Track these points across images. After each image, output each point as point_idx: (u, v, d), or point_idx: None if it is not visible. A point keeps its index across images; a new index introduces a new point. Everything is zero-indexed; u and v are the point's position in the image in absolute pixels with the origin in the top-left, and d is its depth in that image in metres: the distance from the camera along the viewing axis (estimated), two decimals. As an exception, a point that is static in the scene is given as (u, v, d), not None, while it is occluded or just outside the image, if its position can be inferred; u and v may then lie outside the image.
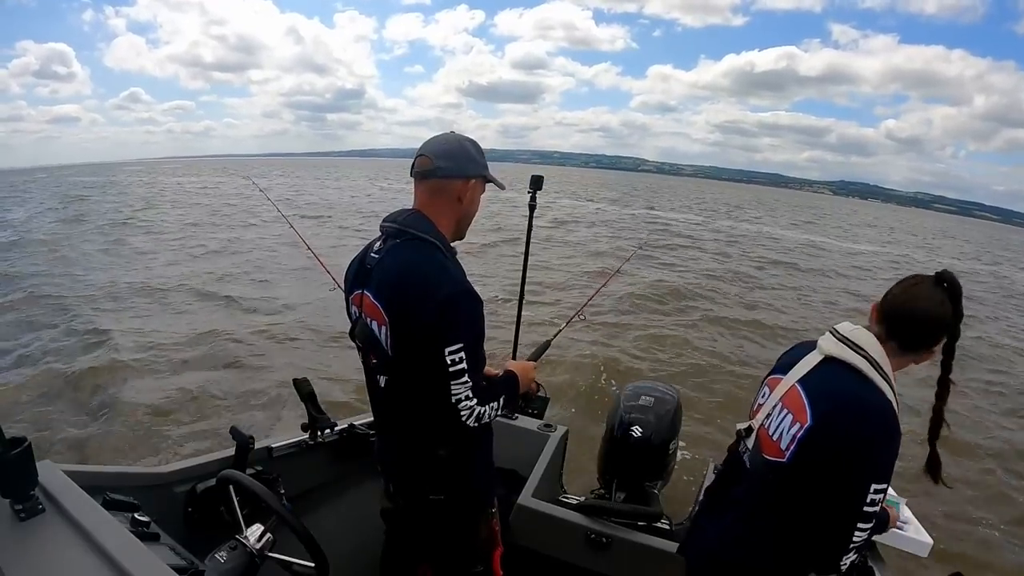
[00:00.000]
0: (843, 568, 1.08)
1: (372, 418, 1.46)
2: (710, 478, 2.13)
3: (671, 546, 1.79)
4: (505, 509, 1.87)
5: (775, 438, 1.16)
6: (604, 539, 1.84)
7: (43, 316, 6.76)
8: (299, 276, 8.87)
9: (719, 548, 1.23)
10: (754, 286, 11.12)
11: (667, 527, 2.09)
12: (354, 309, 1.32)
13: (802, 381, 1.16)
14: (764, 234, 22.63)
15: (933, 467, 1.19)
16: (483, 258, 11.45)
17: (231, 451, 1.53)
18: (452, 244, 1.31)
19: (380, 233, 1.30)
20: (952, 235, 51.80)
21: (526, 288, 2.47)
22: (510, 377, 1.39)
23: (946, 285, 1.11)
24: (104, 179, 41.26)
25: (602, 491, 2.33)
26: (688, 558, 1.36)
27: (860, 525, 1.05)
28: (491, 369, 1.39)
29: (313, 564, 1.18)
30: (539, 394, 1.91)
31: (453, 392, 1.18)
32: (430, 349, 1.16)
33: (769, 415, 1.20)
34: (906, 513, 1.63)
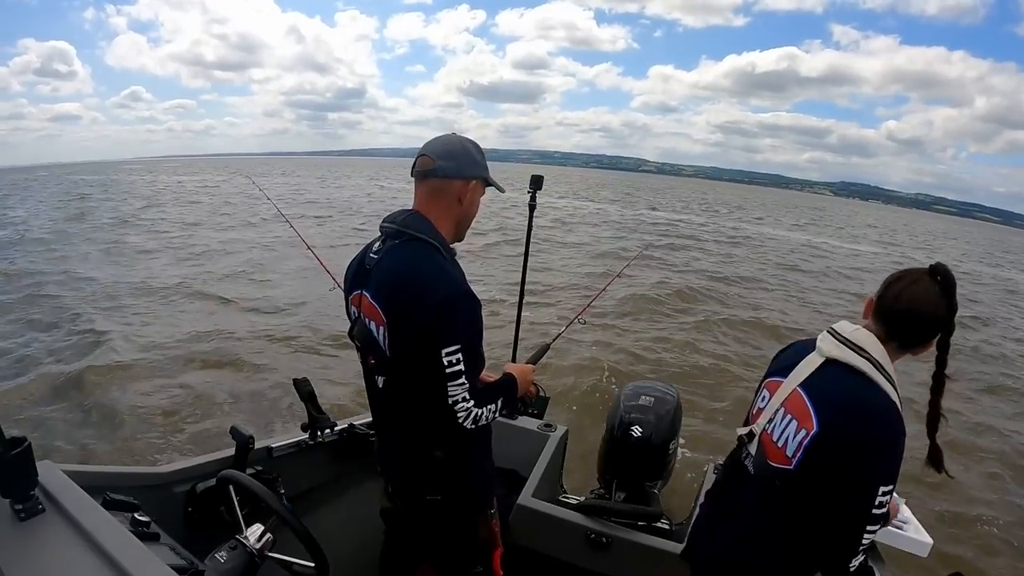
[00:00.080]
0: (852, 569, 1.08)
1: (372, 418, 1.47)
2: (710, 478, 2.13)
3: (671, 546, 1.80)
4: (505, 509, 1.87)
5: (780, 445, 1.13)
6: (604, 539, 1.84)
7: (43, 316, 6.75)
8: (300, 276, 8.86)
9: (726, 554, 1.22)
10: (756, 287, 11.11)
11: (667, 527, 2.09)
12: (353, 309, 1.33)
13: (804, 385, 1.13)
14: (766, 235, 22.60)
15: (935, 458, 1.18)
16: (484, 259, 11.44)
17: (231, 451, 1.53)
18: (452, 246, 1.31)
19: (380, 233, 1.30)
20: (953, 236, 51.80)
21: (527, 289, 2.46)
22: (508, 380, 1.39)
23: (939, 278, 1.10)
24: (105, 177, 41.25)
25: (602, 491, 2.32)
26: (694, 564, 1.35)
27: (869, 527, 1.04)
28: (489, 375, 1.39)
29: (313, 564, 1.18)
30: (539, 394, 1.91)
31: (450, 393, 1.18)
32: (427, 350, 1.16)
33: (771, 420, 1.18)
34: (906, 513, 1.63)
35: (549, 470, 2.14)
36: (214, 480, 1.35)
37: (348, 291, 1.36)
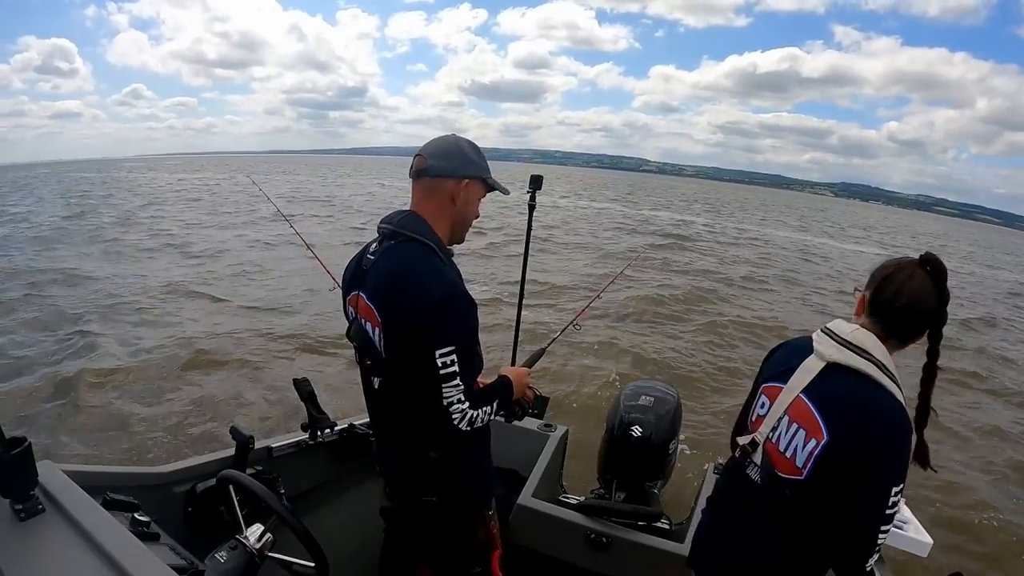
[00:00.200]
0: (868, 570, 1.08)
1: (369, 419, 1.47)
2: (710, 478, 2.13)
3: (671, 546, 1.80)
4: (505, 509, 1.87)
5: (788, 455, 1.11)
6: (604, 539, 1.84)
7: (41, 315, 6.74)
8: (300, 276, 8.85)
9: (733, 560, 1.20)
10: (757, 288, 11.10)
11: (667, 527, 2.09)
12: (350, 310, 1.33)
13: (808, 392, 1.10)
14: (769, 236, 22.58)
15: (921, 455, 1.15)
16: (487, 258, 11.42)
17: (231, 451, 1.53)
18: (451, 247, 1.31)
19: (377, 234, 1.31)
20: (955, 238, 51.75)
21: (527, 290, 2.45)
22: (504, 382, 1.38)
23: (929, 268, 1.09)
24: (105, 175, 41.29)
25: (602, 491, 2.32)
26: (700, 571, 1.33)
27: (883, 528, 1.04)
28: (482, 380, 1.39)
29: (313, 564, 1.18)
30: (537, 396, 1.91)
31: (445, 395, 1.17)
32: (422, 351, 1.16)
33: (775, 428, 1.15)
34: (906, 513, 1.63)
35: (549, 470, 2.15)
36: (214, 480, 1.35)
37: (346, 292, 1.36)
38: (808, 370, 1.12)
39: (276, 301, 7.79)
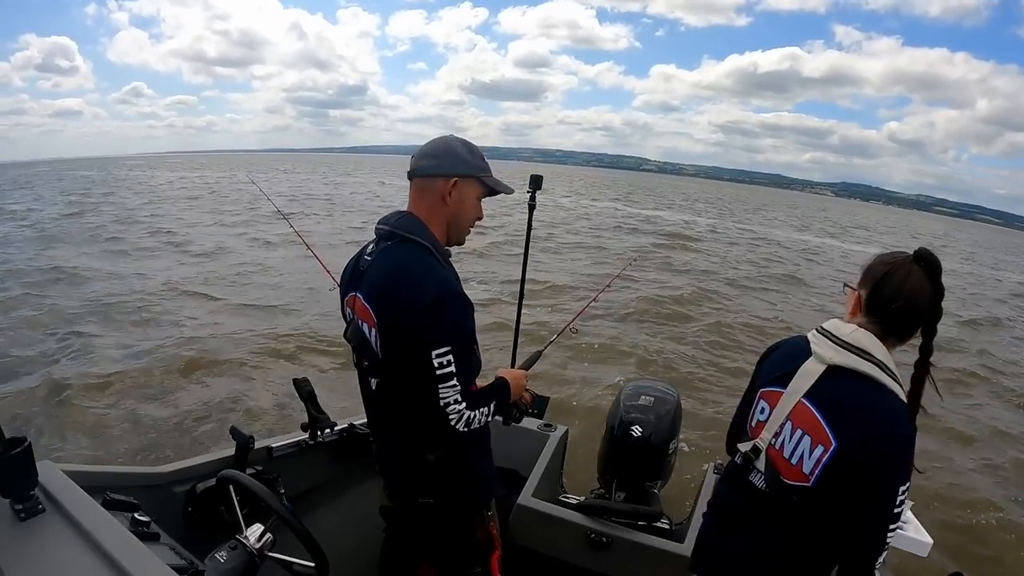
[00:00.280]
0: (877, 569, 1.08)
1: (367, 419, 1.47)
2: (710, 479, 2.14)
3: (671, 546, 1.80)
4: (505, 509, 1.87)
5: (794, 462, 1.09)
6: (604, 539, 1.84)
7: (41, 315, 6.71)
8: (300, 275, 8.84)
9: (741, 568, 1.19)
10: (760, 287, 11.09)
11: (667, 527, 2.09)
12: (348, 311, 1.34)
13: (811, 397, 1.08)
14: (771, 235, 22.55)
15: None
16: (486, 258, 11.41)
17: (231, 451, 1.53)
18: (449, 248, 1.31)
19: (374, 235, 1.31)
20: (956, 238, 51.75)
21: (528, 291, 2.44)
22: (501, 383, 1.38)
23: (924, 264, 1.08)
24: (106, 174, 41.21)
25: (602, 491, 2.32)
26: None
27: (890, 526, 1.04)
28: (482, 382, 1.39)
29: (313, 564, 1.18)
30: (538, 394, 1.91)
31: (441, 395, 1.17)
32: (418, 351, 1.16)
33: (778, 435, 1.12)
34: (907, 513, 1.63)
35: (549, 470, 2.15)
36: (214, 480, 1.35)
37: (343, 293, 1.37)
38: (808, 374, 1.10)
39: (276, 301, 7.78)
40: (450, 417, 1.19)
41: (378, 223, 1.30)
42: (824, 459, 1.05)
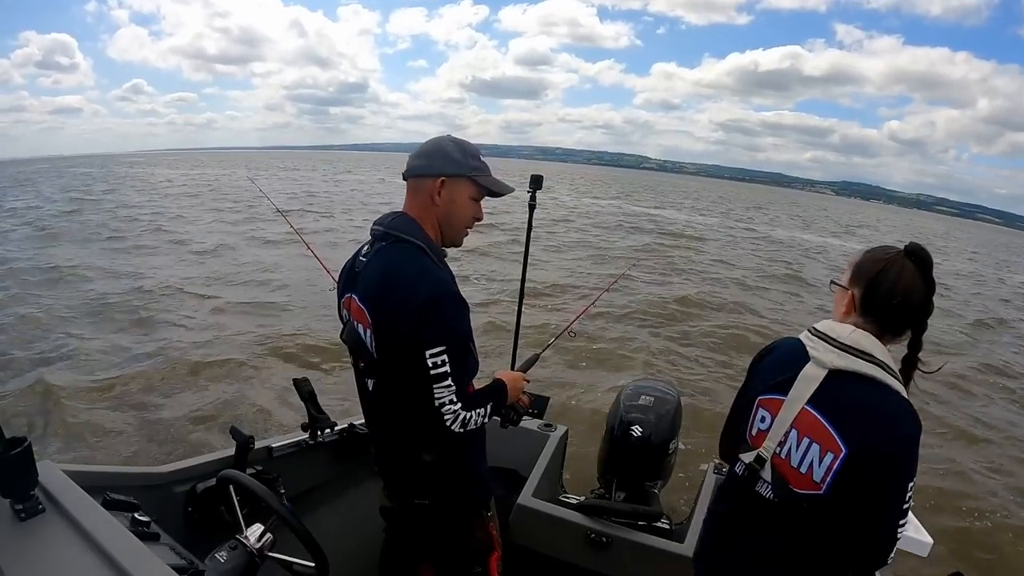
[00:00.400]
0: (890, 561, 1.08)
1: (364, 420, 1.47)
2: (710, 479, 2.14)
3: (671, 546, 1.80)
4: (505, 509, 1.87)
5: (804, 471, 1.07)
6: (604, 539, 1.84)
7: (40, 315, 6.69)
8: (301, 274, 8.83)
9: (746, 573, 1.17)
10: (762, 287, 11.08)
11: (667, 527, 2.09)
12: (344, 312, 1.34)
13: (815, 404, 1.06)
14: (773, 235, 22.52)
15: None
16: (486, 257, 11.38)
17: (231, 451, 1.53)
18: (444, 248, 1.31)
19: (370, 236, 1.31)
20: (956, 237, 51.73)
21: (528, 291, 2.44)
22: (498, 384, 1.38)
23: (915, 259, 1.07)
24: (106, 171, 41.20)
25: (602, 491, 2.33)
26: None
27: (900, 522, 1.04)
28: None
29: (313, 564, 1.18)
30: (538, 394, 1.91)
31: (436, 396, 1.17)
32: (412, 351, 1.16)
33: (782, 443, 1.10)
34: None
35: (549, 470, 2.15)
36: (214, 480, 1.35)
37: (340, 294, 1.37)
38: (810, 380, 1.07)
39: (276, 300, 7.78)
40: (445, 418, 1.18)
41: (373, 224, 1.30)
42: (835, 466, 1.03)
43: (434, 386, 1.16)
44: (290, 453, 1.74)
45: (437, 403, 1.17)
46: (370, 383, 1.31)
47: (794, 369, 1.10)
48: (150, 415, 4.40)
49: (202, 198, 22.09)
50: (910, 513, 1.62)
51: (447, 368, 1.16)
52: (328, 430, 1.81)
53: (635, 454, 2.22)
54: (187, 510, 1.45)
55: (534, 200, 2.09)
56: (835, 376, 1.05)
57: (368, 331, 1.24)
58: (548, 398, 1.95)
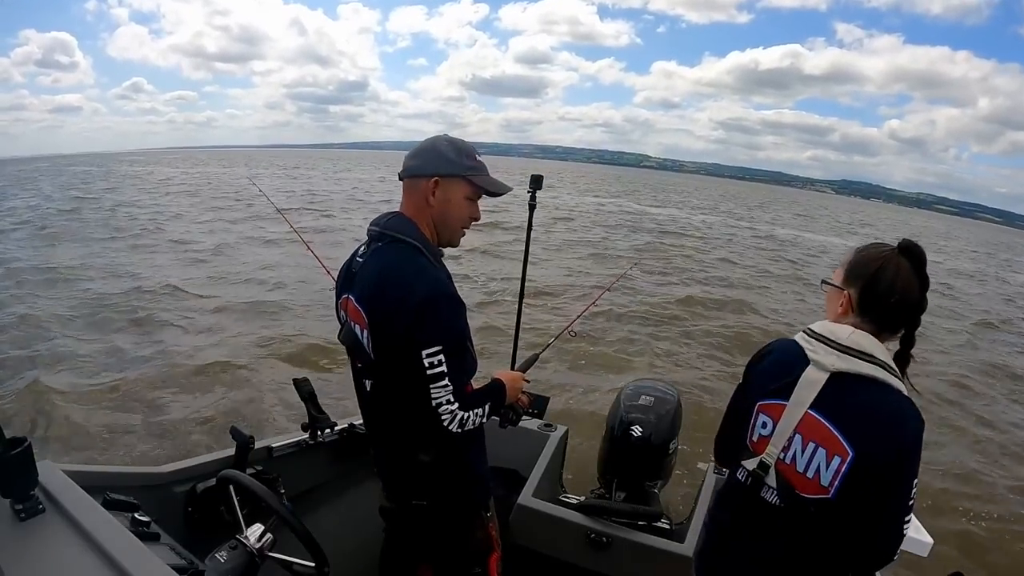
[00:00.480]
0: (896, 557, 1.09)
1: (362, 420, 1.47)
2: (710, 479, 2.14)
3: (671, 546, 1.80)
4: (505, 509, 1.88)
5: (810, 476, 1.06)
6: (604, 539, 1.84)
7: (38, 315, 6.68)
8: (301, 274, 8.82)
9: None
10: (761, 288, 11.08)
11: (667, 527, 2.09)
12: (342, 313, 1.34)
13: (818, 408, 1.05)
14: (775, 234, 22.50)
15: None
16: (486, 257, 11.37)
17: (231, 451, 1.53)
18: (441, 248, 1.31)
19: (367, 237, 1.31)
20: (956, 236, 51.72)
21: (528, 290, 2.44)
22: (496, 384, 1.37)
23: (909, 255, 1.07)
24: (106, 169, 41.17)
25: (602, 491, 2.33)
26: None
27: (906, 517, 1.05)
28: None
29: (313, 564, 1.18)
30: (538, 395, 1.91)
31: (433, 396, 1.17)
32: (408, 351, 1.16)
33: (786, 449, 1.09)
34: None
35: (549, 470, 2.15)
36: (214, 480, 1.35)
37: (337, 295, 1.37)
38: (812, 383, 1.06)
39: (277, 299, 7.77)
40: (442, 418, 1.18)
41: (370, 224, 1.30)
42: (843, 469, 1.03)
43: (431, 386, 1.16)
44: (290, 453, 1.74)
45: (434, 403, 1.17)
46: (368, 384, 1.31)
47: (794, 373, 1.09)
48: (150, 415, 4.40)
49: (202, 196, 22.08)
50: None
51: (444, 368, 1.16)
52: (328, 430, 1.81)
53: (635, 454, 2.22)
54: (187, 510, 1.45)
55: (534, 200, 2.09)
56: (837, 378, 1.05)
57: (365, 332, 1.24)
58: (548, 398, 1.95)
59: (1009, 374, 7.31)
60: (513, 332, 2.23)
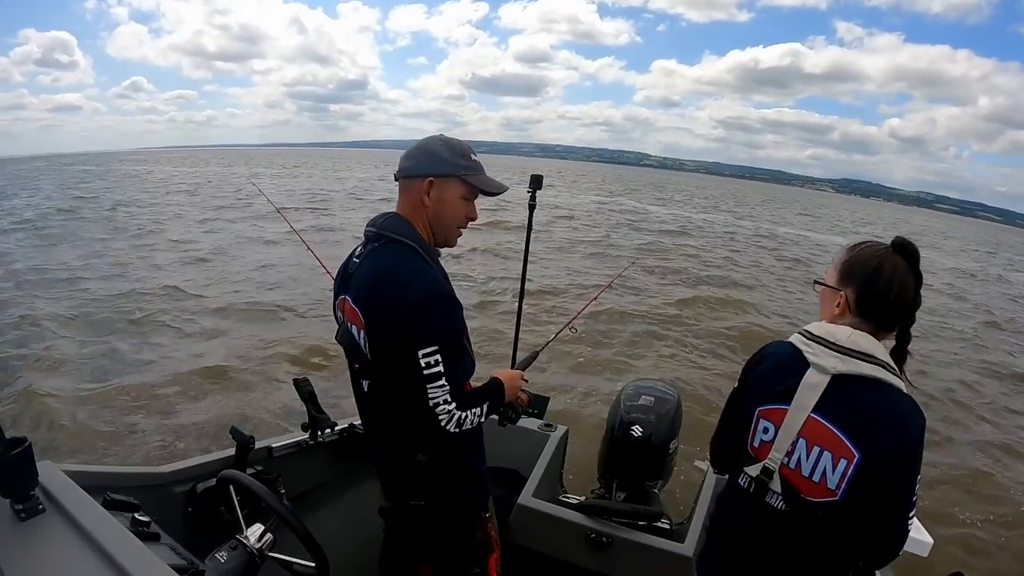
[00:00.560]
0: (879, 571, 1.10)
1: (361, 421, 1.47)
2: (710, 479, 2.14)
3: (671, 546, 1.80)
4: (505, 509, 1.88)
5: (817, 479, 1.06)
6: (604, 539, 1.84)
7: (39, 315, 6.68)
8: (301, 275, 8.83)
9: None
10: (764, 287, 11.07)
11: (667, 527, 2.09)
12: (339, 314, 1.34)
13: (821, 411, 1.05)
14: (777, 233, 22.48)
15: None
16: (486, 256, 11.36)
17: (231, 451, 1.53)
18: (438, 248, 1.31)
19: (363, 237, 1.31)
20: (956, 235, 51.69)
21: (528, 290, 2.44)
22: (495, 384, 1.37)
23: (903, 253, 1.07)
24: (105, 169, 41.17)
25: (602, 491, 2.33)
26: None
27: (910, 514, 1.05)
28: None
29: (313, 564, 1.19)
30: (537, 394, 1.91)
31: (430, 396, 1.16)
32: (405, 352, 1.16)
33: (790, 453, 1.08)
34: None
35: (549, 470, 2.15)
36: (214, 480, 1.35)
37: (335, 296, 1.37)
38: (813, 387, 1.06)
39: (277, 299, 7.77)
40: (440, 418, 1.18)
41: (366, 225, 1.30)
42: (850, 472, 1.03)
43: (428, 386, 1.16)
44: (290, 453, 1.74)
45: (431, 403, 1.17)
46: (365, 384, 1.31)
47: (794, 377, 1.08)
48: (150, 415, 4.40)
49: (201, 195, 22.08)
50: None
51: (440, 368, 1.16)
52: (328, 430, 1.81)
53: (635, 454, 2.22)
54: (187, 510, 1.45)
55: (534, 200, 2.09)
56: (838, 381, 1.04)
57: (362, 332, 1.24)
58: (548, 398, 1.95)
59: (1012, 374, 7.31)
60: (513, 331, 2.23)
